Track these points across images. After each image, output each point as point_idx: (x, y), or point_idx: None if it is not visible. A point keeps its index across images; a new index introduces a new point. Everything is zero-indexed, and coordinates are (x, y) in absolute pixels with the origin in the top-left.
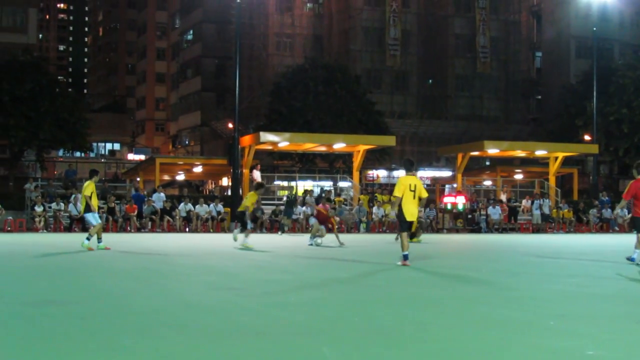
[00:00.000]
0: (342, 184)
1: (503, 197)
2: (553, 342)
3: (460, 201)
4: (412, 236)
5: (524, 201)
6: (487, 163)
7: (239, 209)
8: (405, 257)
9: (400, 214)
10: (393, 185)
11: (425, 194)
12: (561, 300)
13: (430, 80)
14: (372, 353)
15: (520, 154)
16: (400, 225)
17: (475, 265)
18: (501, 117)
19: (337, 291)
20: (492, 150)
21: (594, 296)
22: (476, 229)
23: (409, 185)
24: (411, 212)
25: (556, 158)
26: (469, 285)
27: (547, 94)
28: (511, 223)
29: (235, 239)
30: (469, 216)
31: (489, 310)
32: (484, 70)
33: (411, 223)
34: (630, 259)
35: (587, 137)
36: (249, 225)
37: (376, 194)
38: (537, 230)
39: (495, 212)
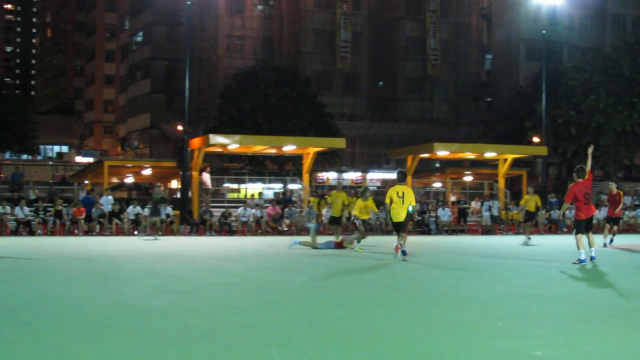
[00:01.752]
0: (292, 186)
1: (453, 199)
2: (501, 342)
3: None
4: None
5: (473, 203)
6: (437, 165)
7: (333, 214)
8: (404, 253)
9: (388, 217)
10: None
11: (414, 202)
12: (509, 301)
13: (381, 83)
14: (321, 355)
15: (469, 156)
16: (392, 225)
17: (423, 266)
18: (451, 119)
19: (287, 294)
20: (442, 153)
21: (541, 297)
22: (426, 231)
23: (396, 193)
24: (396, 215)
25: (505, 160)
26: (418, 287)
27: (497, 96)
28: (460, 225)
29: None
30: (419, 218)
31: (437, 311)
32: (434, 73)
33: (398, 224)
34: (580, 261)
35: (536, 139)
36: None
37: (326, 196)
38: (486, 231)
39: (445, 214)
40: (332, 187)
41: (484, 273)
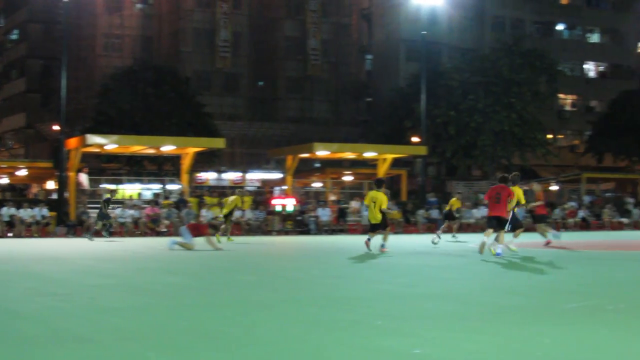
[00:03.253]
0: (171, 187)
1: (332, 198)
2: (380, 341)
3: (290, 203)
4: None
5: (353, 202)
6: (317, 165)
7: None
8: (383, 246)
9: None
10: (223, 187)
11: (384, 205)
12: (388, 300)
13: (261, 83)
14: (199, 357)
15: (349, 155)
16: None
17: (303, 266)
18: (331, 119)
19: (165, 296)
20: (322, 153)
21: (420, 296)
22: (305, 231)
23: (371, 198)
24: (372, 217)
25: (385, 159)
26: (297, 287)
27: (377, 97)
28: (340, 224)
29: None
30: (299, 218)
31: (316, 311)
32: (315, 73)
33: (374, 225)
34: (497, 254)
35: (415, 139)
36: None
37: (205, 197)
38: (366, 231)
39: (325, 214)
40: (211, 188)
41: (364, 272)
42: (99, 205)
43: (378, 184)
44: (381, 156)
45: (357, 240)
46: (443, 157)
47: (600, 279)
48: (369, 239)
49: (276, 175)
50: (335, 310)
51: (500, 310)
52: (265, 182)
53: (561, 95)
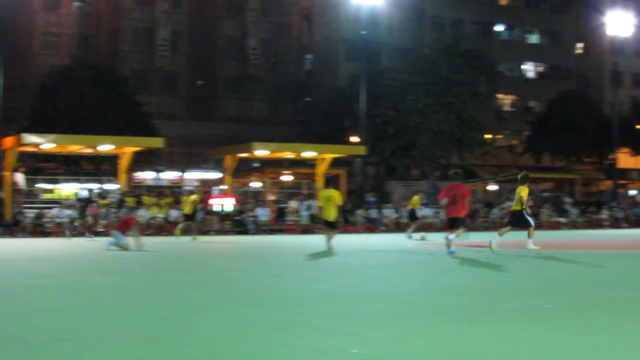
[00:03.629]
0: (109, 187)
1: (271, 198)
2: (318, 341)
3: (229, 203)
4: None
5: (292, 202)
6: (256, 165)
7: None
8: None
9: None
10: (161, 187)
11: (340, 202)
12: (327, 300)
13: (200, 82)
14: (137, 358)
15: (288, 155)
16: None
17: (242, 266)
18: (270, 119)
19: (101, 296)
20: (261, 152)
21: (358, 295)
22: (244, 231)
23: (326, 197)
24: (328, 215)
25: (324, 159)
26: (236, 287)
27: (317, 96)
28: (279, 224)
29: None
30: (237, 218)
31: (254, 311)
32: (254, 72)
33: (330, 222)
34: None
35: (354, 139)
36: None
37: (143, 196)
38: (305, 231)
39: (264, 213)
40: (150, 188)
41: (302, 272)
42: (38, 205)
43: (330, 183)
44: (320, 156)
45: (295, 241)
46: (382, 157)
47: (538, 278)
48: (329, 239)
49: (215, 175)
50: (273, 311)
51: (440, 309)
52: (204, 182)
53: (500, 96)
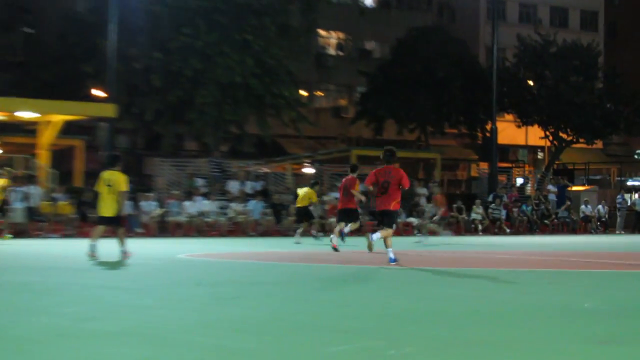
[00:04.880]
0: None
1: None
2: None
3: None
4: None
5: None
6: None
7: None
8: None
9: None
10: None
11: (123, 188)
12: (50, 342)
13: None
14: None
15: None
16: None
17: None
18: None
19: None
20: None
21: (98, 334)
22: None
23: (106, 181)
24: (106, 208)
25: (51, 123)
26: None
27: (43, 28)
28: None
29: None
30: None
31: None
32: None
33: (109, 219)
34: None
35: (99, 93)
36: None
37: None
38: (21, 232)
39: None
40: None
41: (12, 296)
42: None
43: (112, 161)
44: (45, 118)
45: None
46: (142, 121)
47: (377, 308)
48: (92, 244)
49: None
50: None
51: (219, 356)
52: None
53: (322, 32)
